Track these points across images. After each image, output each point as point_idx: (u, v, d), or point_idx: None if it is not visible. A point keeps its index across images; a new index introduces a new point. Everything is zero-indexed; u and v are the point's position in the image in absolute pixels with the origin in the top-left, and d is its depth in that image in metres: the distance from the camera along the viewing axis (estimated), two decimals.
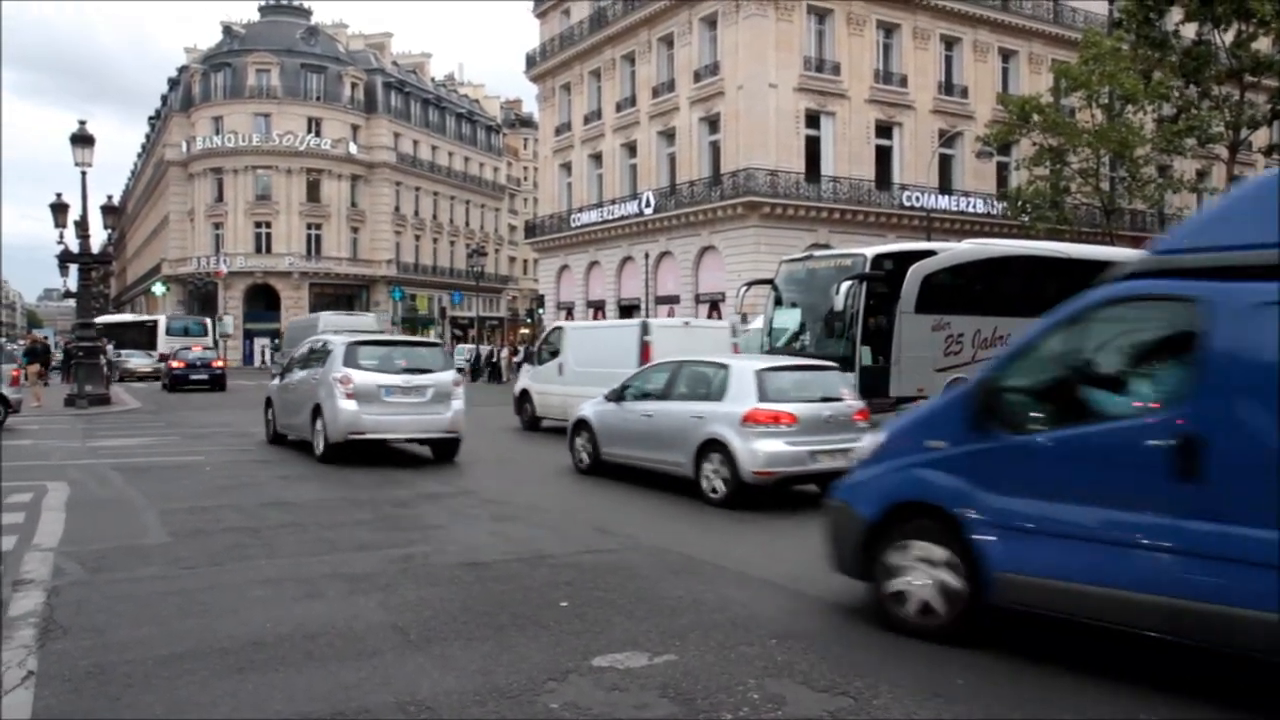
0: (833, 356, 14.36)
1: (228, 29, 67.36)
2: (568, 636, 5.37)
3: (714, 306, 37.19)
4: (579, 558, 7.44)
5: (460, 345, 57.92)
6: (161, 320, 49.25)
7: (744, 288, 20.84)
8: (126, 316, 55.36)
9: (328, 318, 33.43)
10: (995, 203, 37.29)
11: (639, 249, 40.00)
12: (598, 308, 43.92)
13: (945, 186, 38.59)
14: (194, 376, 31.79)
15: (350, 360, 13.10)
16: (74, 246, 24.40)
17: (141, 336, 46.18)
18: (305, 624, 5.55)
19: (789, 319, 18.45)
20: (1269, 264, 4.39)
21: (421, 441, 13.72)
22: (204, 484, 11.16)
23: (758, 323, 20.68)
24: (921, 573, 5.50)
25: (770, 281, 19.56)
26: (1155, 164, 32.19)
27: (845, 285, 16.47)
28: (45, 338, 54.80)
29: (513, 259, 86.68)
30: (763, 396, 9.93)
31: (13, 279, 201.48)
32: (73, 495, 10.13)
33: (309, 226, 63.60)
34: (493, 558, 7.43)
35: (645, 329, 16.62)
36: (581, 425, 12.46)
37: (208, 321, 49.51)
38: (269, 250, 62.42)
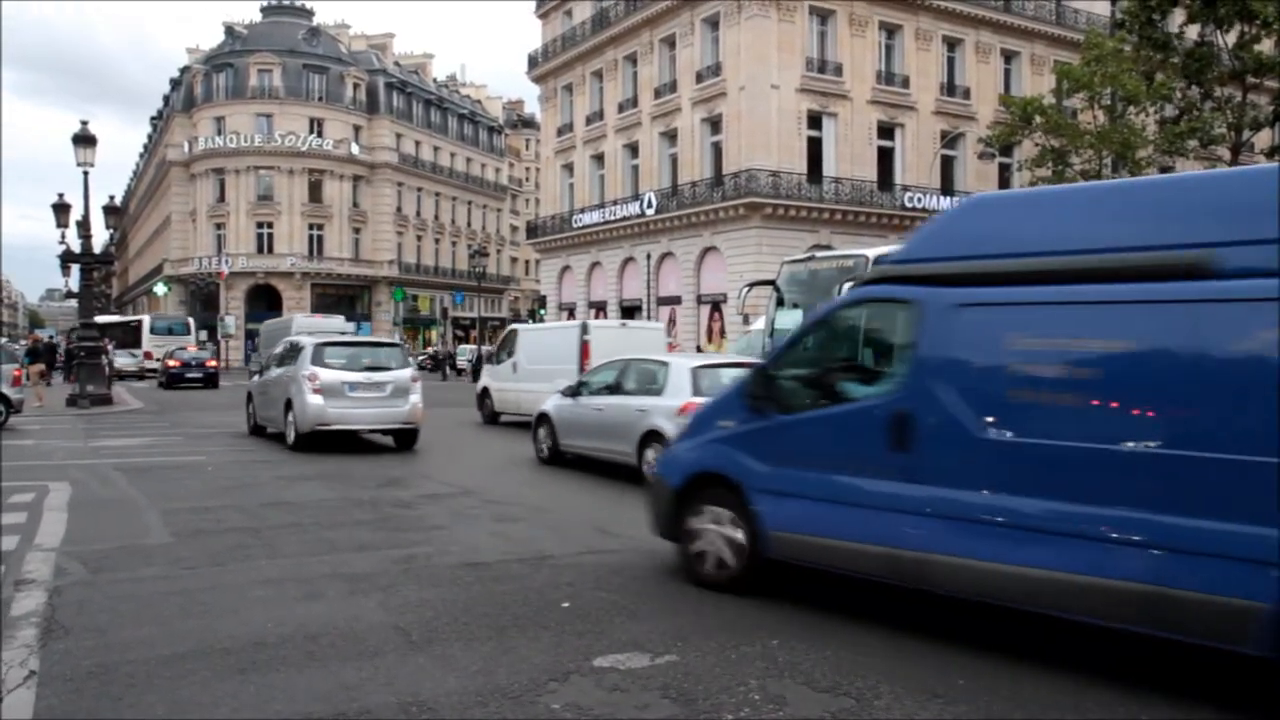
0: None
1: (230, 29, 67.43)
2: (569, 637, 5.37)
3: (716, 307, 37.20)
4: (580, 558, 7.44)
5: (462, 346, 58.00)
6: (146, 320, 49.74)
7: (745, 289, 20.84)
8: (112, 317, 55.52)
9: (300, 320, 35.35)
10: None
11: (641, 250, 40.03)
12: (599, 308, 43.93)
13: (947, 187, 38.59)
14: (189, 375, 34.28)
15: (318, 359, 14.52)
16: (76, 247, 24.43)
17: (127, 336, 46.52)
18: (306, 624, 5.55)
19: (791, 320, 18.43)
20: (963, 273, 5.49)
21: (384, 432, 15.19)
22: (206, 484, 11.17)
23: (760, 323, 20.70)
24: (714, 533, 6.53)
25: (772, 282, 19.56)
26: (1157, 165, 32.13)
27: (848, 286, 16.44)
28: (51, 337, 55.04)
29: (514, 260, 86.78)
30: (696, 391, 10.79)
31: (14, 279, 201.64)
32: (75, 495, 10.14)
33: (311, 227, 63.66)
34: (494, 558, 7.43)
35: (584, 329, 18.12)
36: (543, 419, 13.66)
37: (190, 321, 50.74)
38: (271, 250, 62.48)
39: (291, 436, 14.56)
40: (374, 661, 4.92)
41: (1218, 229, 4.69)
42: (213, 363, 36.26)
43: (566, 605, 6.03)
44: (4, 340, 21.84)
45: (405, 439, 15.16)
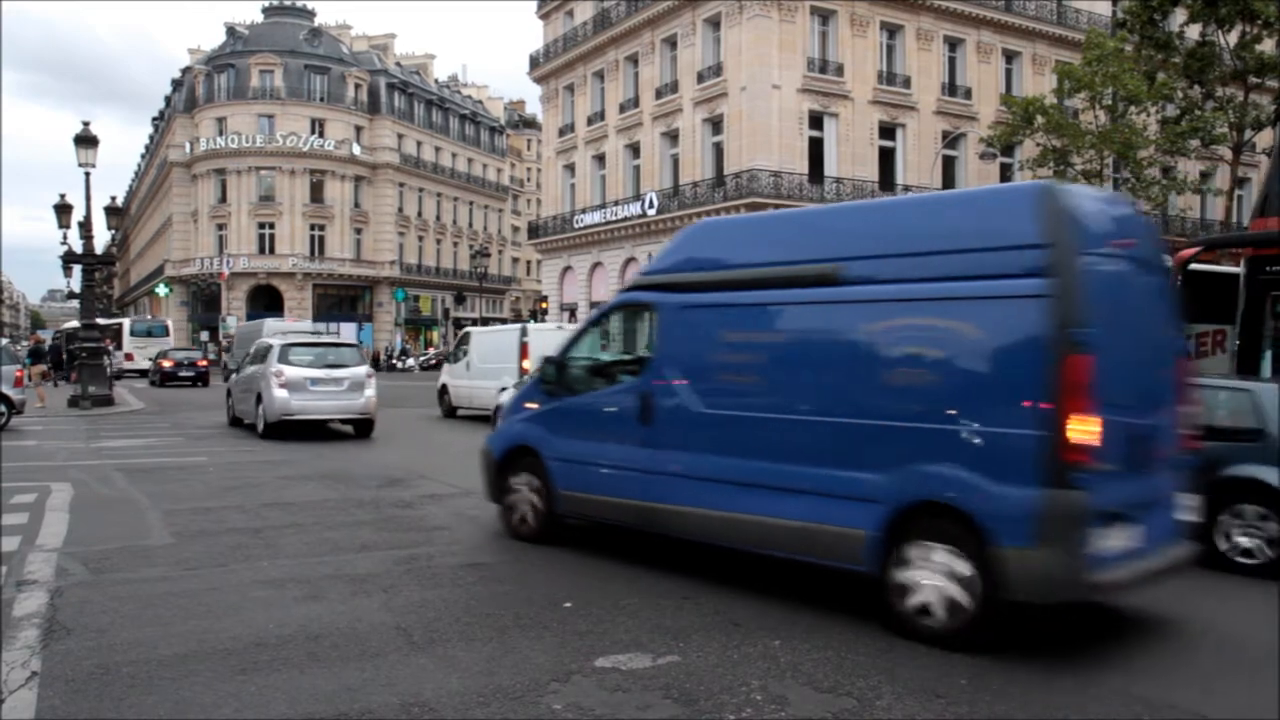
0: None
1: (231, 30, 67.43)
2: (571, 637, 5.37)
3: None
4: (582, 556, 7.44)
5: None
6: (126, 323, 50.33)
7: None
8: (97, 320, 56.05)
9: (271, 324, 38.01)
10: None
11: (642, 250, 40.00)
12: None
13: (949, 187, 38.51)
14: (182, 373, 37.34)
15: (284, 358, 16.44)
16: (77, 247, 24.43)
17: (108, 338, 47.24)
18: (308, 625, 5.55)
19: None
20: (688, 282, 7.07)
21: (343, 421, 17.13)
22: (207, 484, 11.17)
23: None
24: (523, 495, 8.07)
25: None
26: (1159, 165, 32.11)
27: None
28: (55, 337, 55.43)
29: (516, 260, 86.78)
30: None
31: (16, 280, 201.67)
32: (76, 496, 10.15)
33: (312, 227, 63.67)
34: (495, 558, 7.43)
35: (524, 332, 19.92)
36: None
37: (169, 323, 52.19)
38: (272, 251, 62.47)
39: (261, 426, 16.44)
40: (376, 662, 4.92)
41: (844, 247, 6.24)
42: (203, 362, 38.96)
43: (568, 605, 6.03)
44: (5, 341, 21.86)
45: (362, 427, 17.10)
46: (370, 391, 16.72)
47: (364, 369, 17.08)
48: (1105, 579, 5.21)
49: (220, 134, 63.32)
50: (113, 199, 29.26)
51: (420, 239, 71.23)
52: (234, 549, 7.64)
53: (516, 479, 8.14)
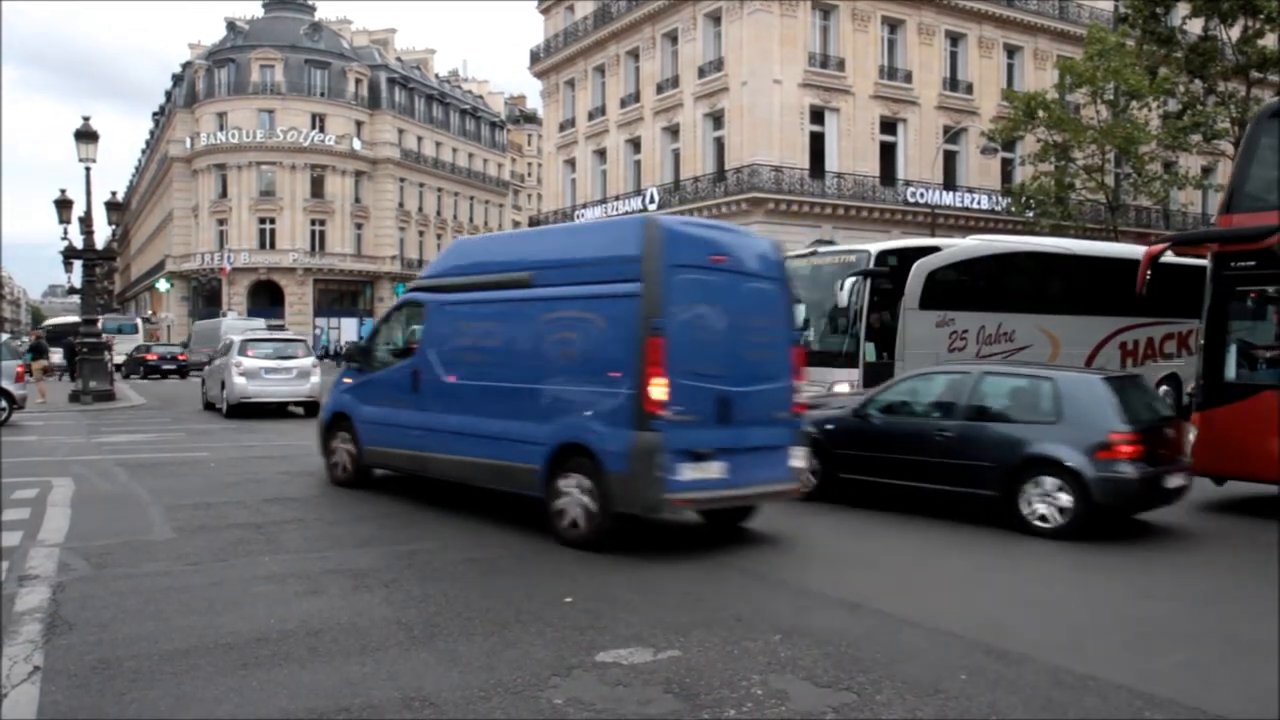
0: (837, 353, 15.07)
1: (231, 25, 67.36)
2: (572, 632, 5.38)
3: None
4: (583, 554, 7.45)
5: None
6: (100, 321, 51.06)
7: None
8: (70, 318, 56.34)
9: (228, 322, 42.84)
10: (1000, 199, 37.22)
11: None
12: None
13: (950, 182, 38.53)
14: (164, 366, 40.66)
15: (243, 351, 19.98)
16: (78, 243, 24.42)
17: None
18: (309, 620, 5.56)
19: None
20: (446, 284, 9.54)
21: (294, 404, 20.28)
22: (209, 479, 11.18)
23: None
24: (341, 450, 10.58)
25: None
26: (1160, 160, 32.07)
27: (849, 281, 16.51)
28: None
29: None
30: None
31: (17, 275, 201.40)
32: (78, 491, 10.16)
33: (313, 222, 63.65)
34: (496, 553, 7.44)
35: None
36: None
37: (139, 321, 54.54)
38: (273, 246, 62.48)
39: (225, 408, 19.82)
40: (377, 656, 4.93)
41: (535, 260, 8.67)
42: (183, 356, 42.24)
43: (569, 600, 6.04)
44: (6, 336, 21.89)
45: (310, 408, 19.34)
46: (315, 379, 20.11)
47: (310, 360, 20.71)
48: (680, 498, 7.43)
49: (221, 129, 63.30)
50: (113, 194, 29.27)
51: (421, 234, 71.20)
52: (235, 544, 7.65)
53: (336, 439, 10.64)
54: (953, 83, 38.85)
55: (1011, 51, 40.27)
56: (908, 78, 37.55)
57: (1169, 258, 11.17)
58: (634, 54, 41.20)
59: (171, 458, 13.24)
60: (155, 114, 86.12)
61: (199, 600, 5.97)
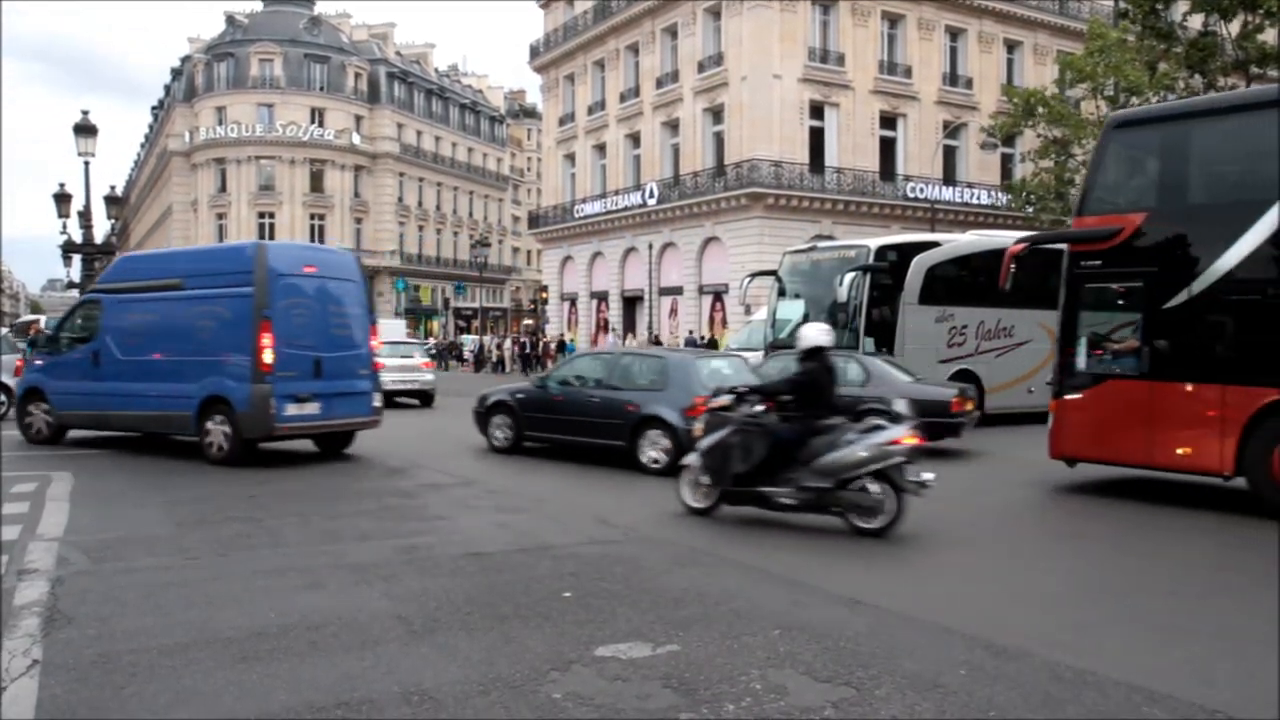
0: (836, 348, 15.05)
1: (231, 19, 67.19)
2: (571, 627, 5.37)
3: (718, 298, 37.20)
4: (582, 548, 7.46)
5: (464, 336, 57.97)
6: (42, 319, 51.36)
7: (748, 279, 20.84)
8: (31, 316, 56.51)
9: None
10: (999, 194, 37.22)
11: (642, 240, 39.97)
12: (601, 298, 43.92)
13: (949, 178, 38.53)
14: None
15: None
16: (77, 237, 24.38)
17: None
18: (309, 614, 5.56)
19: (793, 310, 18.46)
20: (118, 287, 13.14)
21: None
22: (207, 473, 11.18)
23: (761, 313, 20.70)
24: (38, 416, 13.76)
25: (773, 273, 19.55)
26: None
27: (849, 276, 16.53)
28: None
29: (516, 250, 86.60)
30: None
31: (16, 270, 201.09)
32: (77, 485, 10.15)
33: (312, 217, 63.56)
34: (496, 548, 7.44)
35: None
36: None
37: None
38: (272, 240, 62.34)
39: None
40: (376, 651, 4.93)
41: (184, 271, 12.59)
42: None
43: (568, 595, 6.04)
44: (5, 331, 21.83)
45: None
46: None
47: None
48: (288, 427, 11.77)
49: (220, 123, 63.18)
50: (112, 188, 29.22)
51: (420, 229, 71.14)
52: (235, 538, 7.65)
53: (33, 407, 13.71)
54: (952, 78, 38.83)
55: (1011, 47, 40.26)
56: (907, 73, 37.53)
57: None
58: (634, 49, 41.15)
59: (170, 450, 13.22)
60: (154, 108, 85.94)
61: (198, 594, 5.97)
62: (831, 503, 8.04)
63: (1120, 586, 6.75)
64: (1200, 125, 10.65)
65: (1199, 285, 9.70)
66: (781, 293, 18.92)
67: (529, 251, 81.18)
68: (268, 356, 11.35)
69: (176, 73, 72.89)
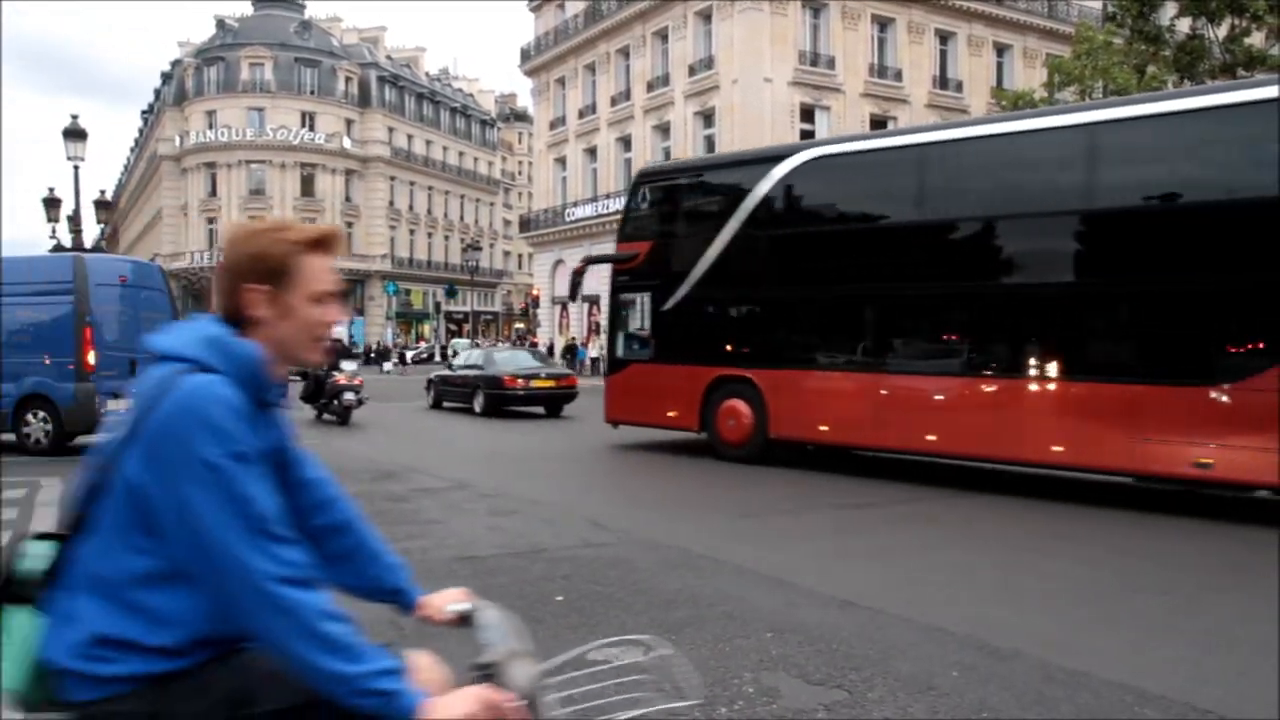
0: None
1: (221, 22, 67.09)
2: (564, 630, 5.36)
3: None
4: (575, 551, 7.45)
5: (456, 340, 57.95)
6: None
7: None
8: None
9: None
10: None
11: None
12: (593, 302, 43.86)
13: None
14: None
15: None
16: (66, 241, 24.31)
17: None
18: None
19: None
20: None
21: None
22: None
23: None
24: None
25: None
26: None
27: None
28: None
29: (507, 253, 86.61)
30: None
31: None
32: (66, 491, 10.09)
33: (303, 221, 63.38)
34: (489, 552, 7.43)
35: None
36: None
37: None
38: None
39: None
40: None
41: (8, 279, 13.04)
42: None
43: (561, 599, 6.03)
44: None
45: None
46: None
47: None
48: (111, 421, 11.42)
49: (210, 127, 63.10)
50: (101, 192, 29.15)
51: (411, 232, 71.09)
52: None
53: None
54: (943, 81, 38.95)
55: (1001, 50, 40.41)
56: (898, 76, 37.64)
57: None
58: (624, 52, 41.19)
59: None
60: (144, 112, 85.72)
61: None
62: None
63: (1094, 587, 6.77)
64: (685, 179, 14.89)
65: (675, 297, 13.55)
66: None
67: (520, 255, 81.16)
68: (91, 357, 12.96)
69: (166, 76, 72.74)
